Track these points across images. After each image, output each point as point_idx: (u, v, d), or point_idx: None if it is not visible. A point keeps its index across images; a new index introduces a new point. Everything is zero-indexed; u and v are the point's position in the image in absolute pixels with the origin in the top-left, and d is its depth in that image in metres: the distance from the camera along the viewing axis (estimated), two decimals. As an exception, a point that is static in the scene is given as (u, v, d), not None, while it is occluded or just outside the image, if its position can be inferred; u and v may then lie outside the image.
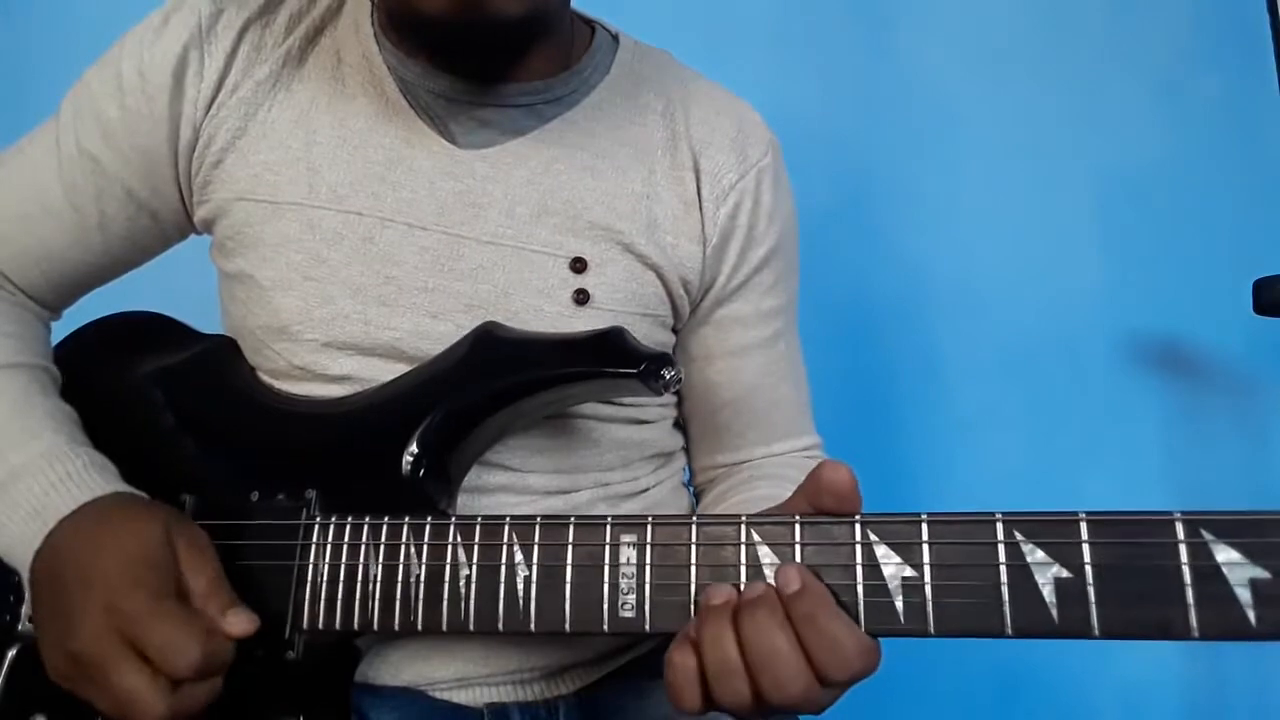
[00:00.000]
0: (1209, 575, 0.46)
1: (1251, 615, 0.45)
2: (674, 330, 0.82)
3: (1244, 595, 0.45)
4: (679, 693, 0.54)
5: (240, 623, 0.61)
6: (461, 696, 0.72)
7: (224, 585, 0.63)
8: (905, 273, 1.41)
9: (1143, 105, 1.39)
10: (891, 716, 1.24)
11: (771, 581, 0.55)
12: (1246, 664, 1.34)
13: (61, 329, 0.83)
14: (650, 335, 0.78)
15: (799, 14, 1.43)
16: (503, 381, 0.68)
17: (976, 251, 1.40)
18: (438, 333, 0.72)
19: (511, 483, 0.74)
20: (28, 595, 0.69)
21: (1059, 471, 1.35)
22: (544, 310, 0.74)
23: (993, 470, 1.36)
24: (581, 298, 0.74)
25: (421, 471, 0.66)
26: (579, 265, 0.74)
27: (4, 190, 0.78)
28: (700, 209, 0.78)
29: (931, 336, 1.41)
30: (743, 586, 0.55)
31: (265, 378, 0.76)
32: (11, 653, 0.69)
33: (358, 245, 0.73)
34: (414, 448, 0.67)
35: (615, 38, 0.83)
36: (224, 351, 0.78)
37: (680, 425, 0.88)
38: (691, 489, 0.91)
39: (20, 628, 0.70)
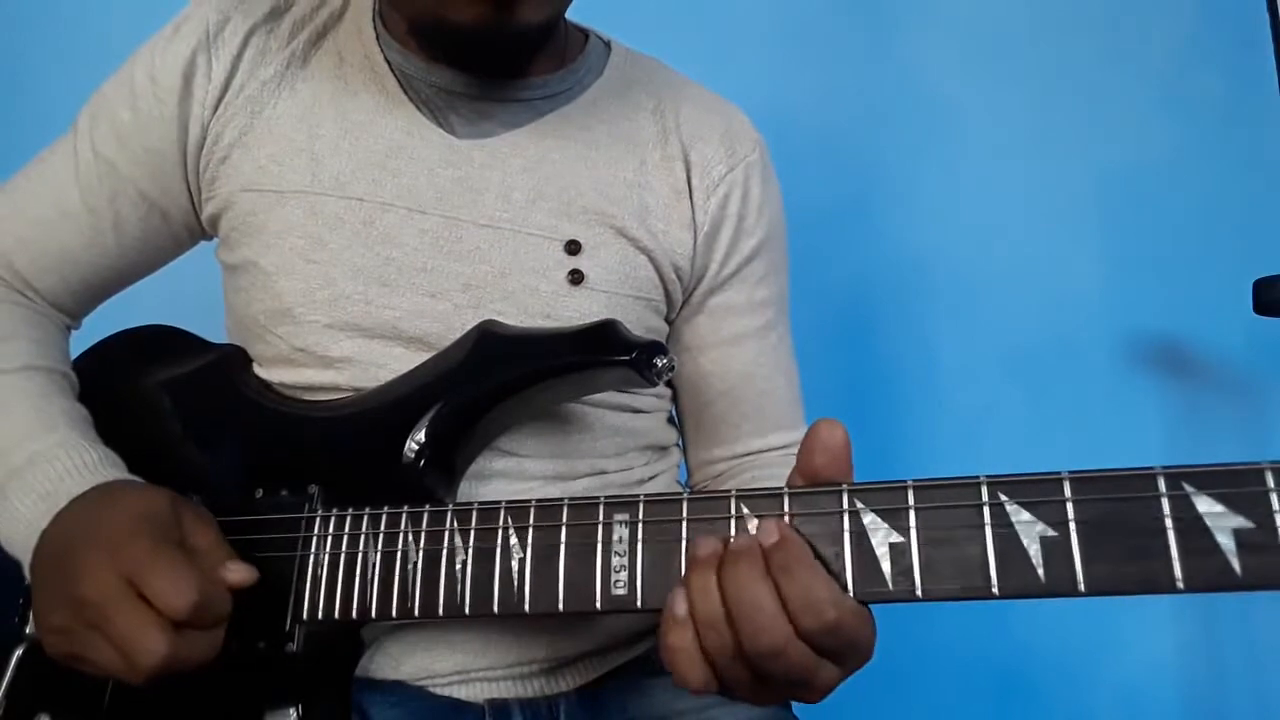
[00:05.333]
0: (1192, 527, 0.46)
1: (1236, 564, 0.45)
2: (667, 320, 0.84)
3: (1227, 545, 0.45)
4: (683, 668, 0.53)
5: (239, 572, 0.62)
6: (462, 692, 0.72)
7: (225, 544, 0.64)
8: (905, 272, 1.41)
9: (1143, 105, 1.40)
10: (891, 716, 1.22)
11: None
12: (1247, 664, 1.32)
13: (78, 341, 0.85)
14: (643, 320, 0.80)
15: (798, 14, 1.45)
16: (505, 374, 0.70)
17: (976, 251, 1.40)
18: (436, 312, 0.74)
19: (509, 468, 0.74)
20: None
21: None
22: (540, 290, 0.75)
23: (992, 470, 1.35)
24: (576, 278, 0.76)
25: (423, 461, 0.67)
26: (573, 247, 0.77)
27: (25, 197, 0.82)
28: (690, 198, 0.81)
29: (931, 336, 1.41)
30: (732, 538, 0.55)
31: (266, 369, 0.78)
32: (18, 652, 0.70)
33: (358, 229, 0.75)
34: (420, 436, 0.68)
35: (607, 44, 0.87)
36: (231, 359, 0.80)
37: (675, 422, 0.90)
38: (689, 488, 0.91)
39: (27, 629, 0.70)
